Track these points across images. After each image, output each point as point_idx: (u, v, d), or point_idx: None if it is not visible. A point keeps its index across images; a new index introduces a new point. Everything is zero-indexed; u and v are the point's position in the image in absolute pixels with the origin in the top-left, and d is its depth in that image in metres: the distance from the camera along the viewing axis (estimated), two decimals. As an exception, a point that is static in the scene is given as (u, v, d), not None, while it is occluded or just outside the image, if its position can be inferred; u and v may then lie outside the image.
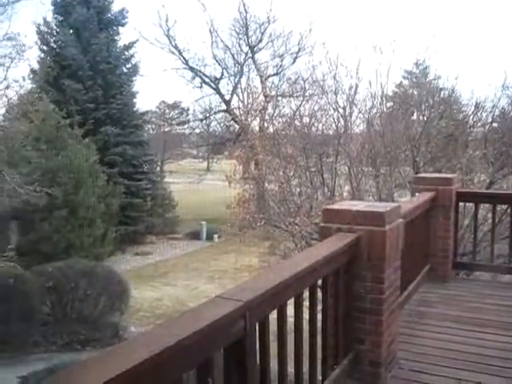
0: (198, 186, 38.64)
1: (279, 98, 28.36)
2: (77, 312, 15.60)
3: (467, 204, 9.70)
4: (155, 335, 2.15)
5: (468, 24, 64.79)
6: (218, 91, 37.14)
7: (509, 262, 7.09)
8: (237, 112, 35.77)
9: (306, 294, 3.20)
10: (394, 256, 3.87)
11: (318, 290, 3.37)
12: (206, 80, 37.09)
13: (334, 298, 3.51)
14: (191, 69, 36.72)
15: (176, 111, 47.15)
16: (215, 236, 29.38)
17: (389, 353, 3.87)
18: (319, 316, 3.39)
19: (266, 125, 27.02)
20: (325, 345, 3.45)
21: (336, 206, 4.08)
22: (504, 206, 10.21)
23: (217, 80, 37.02)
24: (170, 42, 35.79)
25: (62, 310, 15.54)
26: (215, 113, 38.36)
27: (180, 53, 36.05)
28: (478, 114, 15.92)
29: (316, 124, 16.79)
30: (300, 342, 3.04)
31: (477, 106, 15.76)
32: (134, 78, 30.59)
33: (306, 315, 3.15)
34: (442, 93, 17.35)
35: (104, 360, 1.89)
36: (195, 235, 29.89)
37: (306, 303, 3.17)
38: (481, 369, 4.06)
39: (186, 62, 36.44)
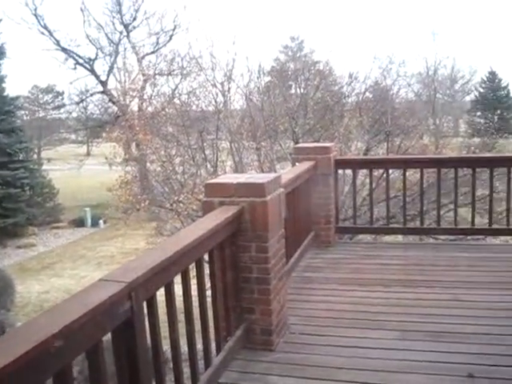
0: (78, 171, 37.39)
1: (157, 77, 27.86)
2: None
3: (346, 171, 10.06)
4: (39, 324, 2.05)
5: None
6: (93, 72, 35.82)
7: (387, 223, 7.46)
8: (114, 93, 34.75)
9: (194, 270, 3.19)
10: (277, 225, 3.93)
11: (205, 264, 3.36)
12: (80, 61, 35.63)
13: (221, 271, 3.52)
14: (63, 50, 35.09)
15: (50, 95, 45.01)
16: (100, 222, 28.63)
17: (279, 320, 3.95)
18: (208, 291, 3.39)
19: (144, 105, 26.56)
20: (216, 318, 3.46)
21: (217, 180, 4.09)
22: (381, 171, 10.70)
23: (91, 61, 35.66)
24: (39, 22, 33.92)
25: None
26: (92, 95, 37.04)
27: (50, 33, 34.31)
28: (352, 84, 16.55)
29: (195, 101, 16.73)
30: (191, 318, 3.04)
31: (350, 76, 16.36)
32: (0, 62, 28.86)
33: (195, 292, 3.15)
34: (317, 65, 17.83)
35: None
36: (80, 222, 28.95)
37: (195, 281, 3.17)
38: (366, 324, 4.25)
39: (58, 43, 34.77)
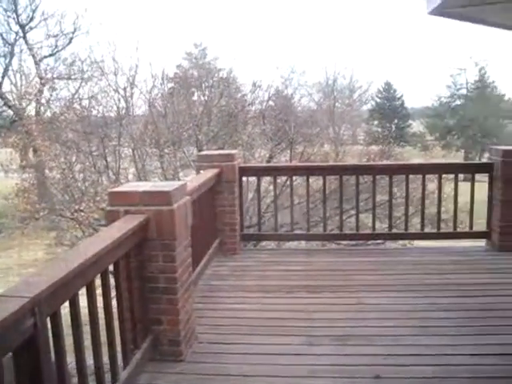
0: (-30, 179, 35.47)
1: (56, 81, 26.91)
2: None
3: (250, 178, 10.14)
4: None
5: (243, 8, 67.56)
6: (-14, 74, 34.15)
7: (291, 229, 7.57)
8: (10, 96, 33.27)
9: (99, 281, 3.09)
10: (184, 234, 3.89)
11: (111, 275, 3.26)
12: (-28, 62, 33.88)
13: (127, 282, 3.43)
14: (-48, 49, 33.22)
15: None
16: (-5, 231, 27.26)
17: (187, 330, 3.90)
18: (114, 302, 3.29)
19: (42, 109, 25.58)
20: (123, 330, 3.36)
21: (122, 189, 3.98)
22: (284, 178, 10.87)
23: (-16, 62, 33.99)
24: None
25: None
26: (-16, 98, 35.30)
27: None
28: (256, 92, 16.75)
29: (96, 106, 16.32)
30: (97, 332, 2.93)
31: (254, 84, 16.56)
32: None
33: (101, 304, 3.04)
34: (221, 73, 17.90)
35: None
36: (-28, 232, 27.45)
37: (100, 291, 3.06)
38: (273, 331, 4.28)
39: None
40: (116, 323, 3.24)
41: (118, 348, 3.29)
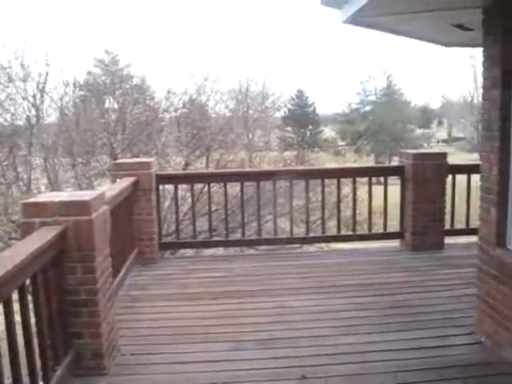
0: None
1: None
2: None
3: (166, 186, 10.04)
4: None
5: (156, 14, 66.96)
6: None
7: (210, 236, 7.55)
8: None
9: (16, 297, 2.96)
10: (104, 244, 3.80)
11: (28, 291, 3.13)
12: None
13: (45, 296, 3.30)
14: None
15: None
16: None
17: (110, 342, 3.81)
18: (33, 319, 3.16)
19: None
20: (43, 347, 3.24)
21: (37, 199, 3.84)
22: (200, 185, 10.83)
23: None
24: None
25: None
26: None
27: None
28: (170, 99, 16.64)
29: (4, 114, 15.68)
30: (15, 350, 2.80)
31: (168, 92, 16.46)
32: None
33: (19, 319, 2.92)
34: (134, 80, 17.65)
35: None
36: None
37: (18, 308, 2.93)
38: (196, 339, 4.28)
39: None
40: (35, 340, 3.12)
41: (38, 366, 3.16)
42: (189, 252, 11.30)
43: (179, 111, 16.62)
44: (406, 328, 4.38)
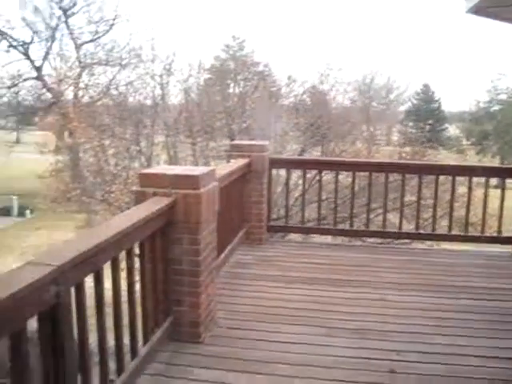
0: (6, 158, 36.05)
1: (95, 66, 27.25)
2: None
3: (280, 172, 10.15)
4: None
5: (284, 4, 67.39)
6: (27, 56, 34.67)
7: (318, 224, 7.58)
8: (49, 80, 33.73)
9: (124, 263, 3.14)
10: (210, 218, 3.94)
11: (135, 255, 3.32)
12: (14, 44, 34.41)
13: (151, 263, 3.49)
14: (-4, 30, 33.74)
15: (-21, 77, 43.13)
16: (27, 211, 27.78)
17: (208, 313, 3.95)
18: (138, 282, 3.35)
19: (80, 93, 25.93)
20: (145, 309, 3.43)
21: (152, 170, 4.05)
22: (314, 172, 10.86)
23: (26, 44, 34.47)
24: (-30, 1, 32.60)
25: None
26: (25, 80, 35.80)
27: (-18, 13, 32.93)
28: (291, 86, 16.74)
29: (133, 93, 16.51)
30: (119, 309, 3.00)
31: (289, 78, 16.55)
32: None
33: (124, 286, 3.10)
34: (257, 66, 17.94)
35: None
36: (6, 211, 28.04)
37: (124, 275, 3.11)
38: (291, 320, 4.33)
39: (-10, 23, 33.40)
40: (138, 302, 3.31)
41: (139, 326, 3.36)
42: (297, 238, 11.38)
43: (298, 98, 16.68)
44: (505, 336, 4.18)
